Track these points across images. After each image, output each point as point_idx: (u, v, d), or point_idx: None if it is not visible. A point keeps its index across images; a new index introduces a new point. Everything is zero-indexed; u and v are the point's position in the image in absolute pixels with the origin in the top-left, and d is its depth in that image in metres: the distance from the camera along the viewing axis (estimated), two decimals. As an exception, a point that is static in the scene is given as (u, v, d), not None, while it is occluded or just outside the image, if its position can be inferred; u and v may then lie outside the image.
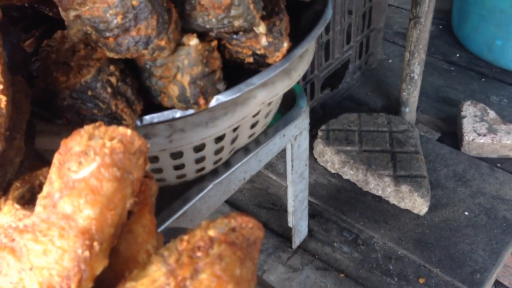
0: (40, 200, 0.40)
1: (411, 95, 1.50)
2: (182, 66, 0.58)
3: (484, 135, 1.41)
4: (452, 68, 1.82)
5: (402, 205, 1.30)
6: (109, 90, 0.56)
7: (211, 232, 0.41)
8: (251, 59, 0.66)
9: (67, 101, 0.56)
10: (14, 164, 0.49)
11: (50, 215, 0.39)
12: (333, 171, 1.42)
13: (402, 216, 1.30)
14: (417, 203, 1.26)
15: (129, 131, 0.43)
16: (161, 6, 0.53)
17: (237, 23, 0.59)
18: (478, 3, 1.68)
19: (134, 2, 0.51)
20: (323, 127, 1.46)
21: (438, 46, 1.93)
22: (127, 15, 0.51)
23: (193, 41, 0.57)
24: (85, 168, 0.40)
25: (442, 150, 1.47)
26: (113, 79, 0.57)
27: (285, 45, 0.65)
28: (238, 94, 0.63)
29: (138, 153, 0.43)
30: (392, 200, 1.31)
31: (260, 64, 0.67)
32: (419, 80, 1.46)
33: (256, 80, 0.65)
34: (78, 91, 0.55)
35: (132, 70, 0.62)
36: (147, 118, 0.62)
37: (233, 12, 0.57)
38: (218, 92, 0.62)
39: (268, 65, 0.67)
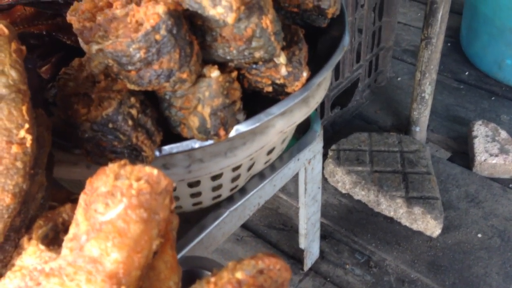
0: (67, 242, 0.39)
1: (422, 115, 1.49)
2: (203, 97, 0.57)
3: (496, 156, 1.40)
4: (461, 86, 1.81)
5: (414, 226, 1.29)
6: (130, 122, 0.56)
7: (239, 275, 0.41)
8: (270, 89, 0.66)
9: (88, 134, 0.56)
10: (36, 200, 0.48)
11: (77, 259, 0.38)
12: (344, 191, 1.41)
13: (414, 238, 1.28)
14: (430, 225, 1.25)
15: (155, 171, 0.42)
16: (183, 40, 0.53)
17: (258, 55, 0.59)
18: (488, 22, 1.68)
19: (157, 37, 0.51)
20: (333, 146, 1.45)
21: (447, 63, 1.92)
22: (150, 49, 0.51)
23: (214, 73, 0.57)
24: (112, 210, 0.40)
25: (453, 170, 1.46)
26: (134, 111, 0.57)
27: (305, 74, 0.65)
28: (257, 124, 0.63)
29: (164, 193, 0.42)
30: (404, 221, 1.30)
31: (278, 92, 0.67)
32: (430, 99, 1.46)
33: (275, 109, 0.64)
34: (99, 123, 0.55)
35: (150, 98, 0.62)
36: (166, 148, 0.62)
37: (254, 44, 0.57)
38: (238, 122, 0.62)
39: (287, 93, 0.67)
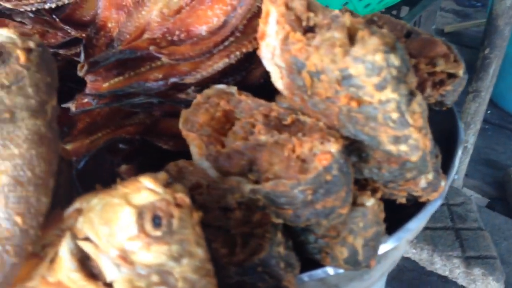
0: None
1: (463, 163, 1.46)
2: (356, 228, 0.51)
3: (543, 205, 1.37)
4: (486, 126, 1.80)
5: (472, 287, 1.24)
6: (282, 265, 0.49)
7: None
8: (403, 200, 0.60)
9: (234, 279, 0.49)
10: None
11: None
12: (391, 249, 1.36)
13: (474, 299, 1.24)
14: (490, 287, 1.21)
15: None
16: (350, 175, 0.46)
17: (409, 175, 0.53)
18: (515, 63, 1.67)
19: (328, 177, 0.44)
20: (376, 201, 1.40)
21: (467, 102, 1.91)
22: (318, 190, 0.45)
23: (370, 201, 0.51)
24: None
25: (496, 219, 1.43)
26: (282, 249, 0.50)
27: (443, 184, 0.59)
28: (397, 243, 0.57)
29: None
30: (461, 281, 1.26)
31: (410, 202, 0.61)
32: (471, 149, 1.43)
33: (413, 225, 0.58)
34: (247, 268, 0.48)
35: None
36: (301, 277, 0.55)
37: (408, 165, 0.51)
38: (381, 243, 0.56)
39: (417, 201, 0.61)
